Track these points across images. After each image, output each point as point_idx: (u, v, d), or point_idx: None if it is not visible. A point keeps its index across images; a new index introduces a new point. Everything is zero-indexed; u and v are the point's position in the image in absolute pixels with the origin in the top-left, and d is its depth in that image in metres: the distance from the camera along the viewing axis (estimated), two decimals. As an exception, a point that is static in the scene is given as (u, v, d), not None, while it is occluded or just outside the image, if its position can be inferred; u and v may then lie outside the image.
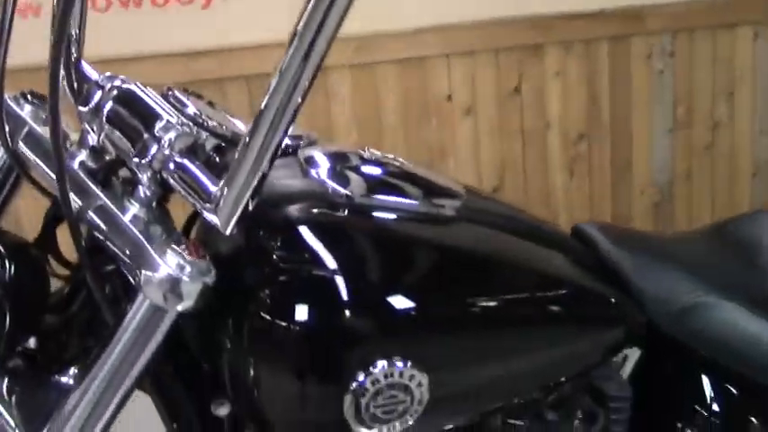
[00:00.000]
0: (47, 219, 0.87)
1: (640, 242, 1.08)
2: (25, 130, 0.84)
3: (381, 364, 0.78)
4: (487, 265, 0.89)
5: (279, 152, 0.69)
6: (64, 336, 0.86)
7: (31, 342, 0.85)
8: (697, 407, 1.06)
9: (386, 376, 0.78)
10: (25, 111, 0.87)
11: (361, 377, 0.78)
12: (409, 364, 0.79)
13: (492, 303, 0.88)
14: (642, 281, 1.00)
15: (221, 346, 0.80)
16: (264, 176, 0.70)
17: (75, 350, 0.87)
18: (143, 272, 0.71)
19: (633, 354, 1.06)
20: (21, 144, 0.83)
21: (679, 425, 1.07)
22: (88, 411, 0.75)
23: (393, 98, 2.42)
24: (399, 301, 0.81)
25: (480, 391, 0.89)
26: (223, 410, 0.87)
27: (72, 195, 0.76)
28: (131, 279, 0.74)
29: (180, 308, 0.73)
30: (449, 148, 2.49)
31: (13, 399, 0.83)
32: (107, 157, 0.80)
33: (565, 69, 2.51)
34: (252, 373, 0.78)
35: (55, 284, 0.88)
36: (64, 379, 0.82)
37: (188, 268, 0.72)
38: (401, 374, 0.79)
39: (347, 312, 0.78)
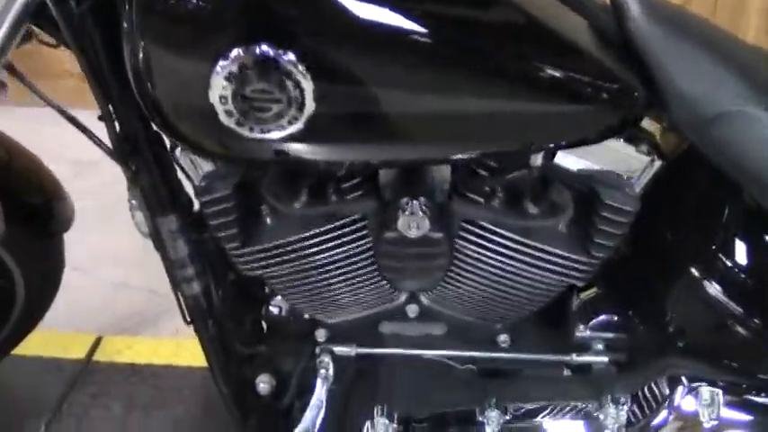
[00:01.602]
0: None
1: (688, 27, 0.87)
2: None
3: (257, 47, 0.71)
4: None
5: None
6: None
7: None
8: (708, 232, 0.93)
9: (258, 62, 0.72)
10: None
11: (232, 54, 0.72)
12: (291, 57, 0.72)
13: (433, 35, 0.76)
14: (673, 73, 0.82)
15: (123, 29, 0.76)
16: None
17: None
18: None
19: (652, 165, 0.92)
20: None
21: (688, 252, 0.95)
22: None
23: None
24: None
25: (387, 127, 0.78)
26: None
27: None
28: None
29: None
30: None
31: None
32: None
33: None
34: (141, 48, 0.75)
35: None
36: None
37: None
38: (277, 66, 0.72)
39: None
